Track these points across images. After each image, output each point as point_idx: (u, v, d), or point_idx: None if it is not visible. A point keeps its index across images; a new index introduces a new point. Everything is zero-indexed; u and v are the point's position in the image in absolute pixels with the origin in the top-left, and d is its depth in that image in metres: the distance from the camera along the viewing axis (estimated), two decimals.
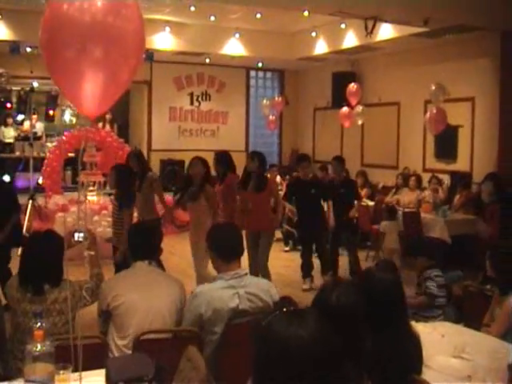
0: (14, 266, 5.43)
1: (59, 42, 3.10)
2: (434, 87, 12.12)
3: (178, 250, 11.30)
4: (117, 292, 4.42)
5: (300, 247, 10.52)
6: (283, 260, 11.58)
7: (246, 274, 4.46)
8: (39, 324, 2.92)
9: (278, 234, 11.94)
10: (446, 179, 12.80)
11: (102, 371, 3.14)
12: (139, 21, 3.27)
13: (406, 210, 11.34)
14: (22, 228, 9.41)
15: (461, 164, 13.47)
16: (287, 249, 12.73)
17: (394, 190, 13.03)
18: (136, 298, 4.40)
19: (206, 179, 8.34)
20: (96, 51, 3.07)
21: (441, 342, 4.19)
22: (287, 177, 15.44)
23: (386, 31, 13.34)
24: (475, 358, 3.87)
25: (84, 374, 3.20)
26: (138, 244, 4.76)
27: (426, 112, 13.05)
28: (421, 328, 3.90)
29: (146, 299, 4.41)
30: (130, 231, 5.18)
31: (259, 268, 8.57)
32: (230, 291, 4.30)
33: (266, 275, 8.28)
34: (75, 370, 3.10)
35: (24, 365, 2.92)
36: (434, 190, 11.98)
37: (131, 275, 4.67)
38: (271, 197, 9.05)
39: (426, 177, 13.13)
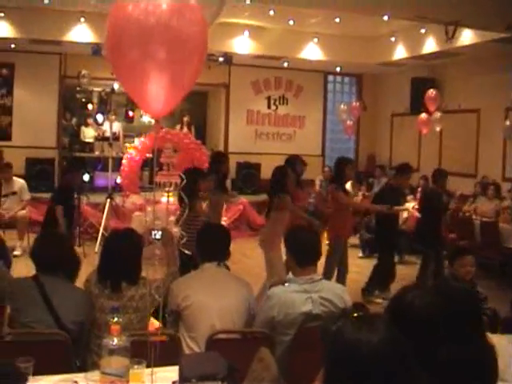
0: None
1: (124, 43, 3.16)
2: None
3: (252, 253, 11.34)
4: (187, 293, 4.47)
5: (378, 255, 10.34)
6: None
7: (321, 279, 4.46)
8: (116, 319, 2.98)
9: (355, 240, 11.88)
10: None
11: (175, 368, 3.19)
12: (202, 23, 3.31)
13: (484, 219, 11.14)
14: None
15: None
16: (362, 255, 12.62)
17: (471, 199, 12.80)
18: (206, 299, 4.44)
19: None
20: (160, 53, 3.12)
21: None
22: (363, 183, 15.35)
23: (466, 36, 13.12)
24: None
25: (157, 369, 3.25)
26: (208, 245, 4.81)
27: (506, 119, 12.79)
28: (496, 340, 3.82)
29: (215, 299, 4.45)
30: (200, 232, 5.22)
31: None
32: (304, 295, 4.31)
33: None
34: (148, 366, 3.15)
35: (100, 357, 2.99)
36: None
37: (200, 276, 4.73)
38: None
39: (505, 186, 12.86)
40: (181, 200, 8.22)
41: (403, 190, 10.00)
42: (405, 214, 11.86)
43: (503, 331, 4.82)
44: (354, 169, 9.21)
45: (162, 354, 3.25)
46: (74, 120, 18.10)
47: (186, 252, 5.10)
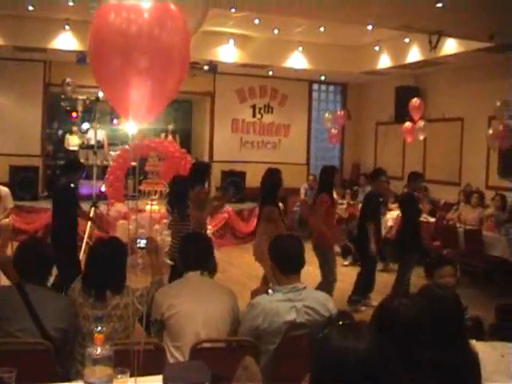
0: None
1: (106, 52, 3.18)
2: (498, 103, 11.97)
3: (237, 261, 11.34)
4: (171, 302, 4.46)
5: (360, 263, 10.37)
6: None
7: (305, 287, 4.46)
8: (100, 328, 2.98)
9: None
10: (510, 197, 12.57)
11: (159, 377, 3.18)
12: (184, 32, 3.32)
13: (468, 227, 11.19)
14: None
15: None
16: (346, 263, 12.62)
17: (455, 207, 12.85)
18: (190, 308, 4.43)
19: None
20: (142, 62, 3.13)
21: (500, 363, 4.11)
22: (348, 191, 15.40)
23: (450, 46, 13.21)
24: None
25: (141, 379, 3.24)
26: (190, 254, 4.80)
27: (489, 128, 12.86)
28: (480, 347, 3.84)
29: (199, 308, 4.44)
30: (183, 240, 5.21)
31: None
32: (288, 304, 4.31)
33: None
34: (132, 375, 3.15)
35: (84, 367, 2.98)
36: (497, 208, 11.77)
37: (184, 285, 4.71)
38: None
39: (488, 194, 12.93)
40: (170, 209, 8.26)
41: (384, 197, 10.00)
42: (389, 223, 11.90)
43: (490, 338, 4.85)
44: (338, 177, 9.22)
45: (146, 363, 3.24)
46: (57, 127, 18.04)
47: (169, 262, 5.07)
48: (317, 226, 8.84)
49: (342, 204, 14.05)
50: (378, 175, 9.77)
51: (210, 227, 11.63)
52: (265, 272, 8.31)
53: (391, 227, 11.83)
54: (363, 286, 9.56)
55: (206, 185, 8.35)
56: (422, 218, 11.62)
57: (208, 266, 4.90)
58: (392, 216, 12.11)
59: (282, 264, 4.46)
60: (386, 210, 10.75)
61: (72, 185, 8.99)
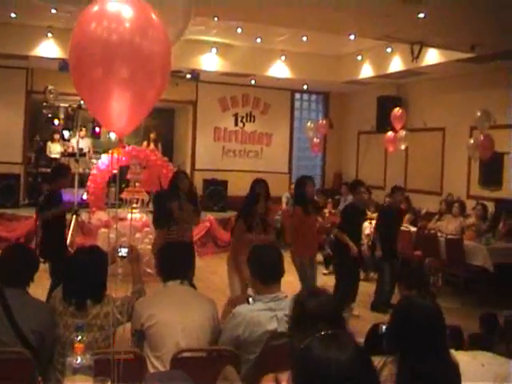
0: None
1: (86, 61, 3.17)
2: (479, 113, 12.05)
3: (219, 270, 11.31)
4: (150, 312, 4.44)
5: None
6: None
7: (286, 296, 4.46)
8: (80, 337, 2.96)
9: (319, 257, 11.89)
10: (491, 207, 12.65)
11: None
12: (165, 41, 3.33)
13: (449, 236, 11.23)
14: None
15: (506, 191, 13.31)
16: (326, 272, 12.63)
17: (437, 217, 12.90)
18: (170, 317, 4.42)
19: None
20: (122, 71, 3.13)
21: (481, 372, 4.12)
22: (330, 200, 15.42)
23: (432, 56, 13.30)
24: None
25: None
26: (170, 263, 4.78)
27: (471, 138, 12.94)
28: (461, 356, 3.84)
29: (179, 317, 4.43)
30: (161, 251, 5.19)
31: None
32: (269, 314, 4.30)
33: None
34: None
35: (64, 376, 2.96)
36: (478, 218, 11.84)
37: (164, 295, 4.69)
38: None
39: (469, 204, 12.99)
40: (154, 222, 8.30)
41: (364, 207, 10.12)
42: (367, 231, 11.92)
43: (470, 347, 4.87)
44: (312, 185, 9.23)
45: (127, 372, 3.23)
46: (39, 134, 17.95)
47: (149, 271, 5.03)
48: (286, 238, 9.07)
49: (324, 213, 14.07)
50: (356, 186, 9.88)
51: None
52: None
53: (368, 235, 11.87)
54: (341, 296, 9.55)
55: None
56: (403, 228, 11.70)
57: (187, 274, 4.89)
58: (371, 225, 12.12)
59: (262, 273, 4.46)
60: (364, 219, 10.81)
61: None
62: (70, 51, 3.25)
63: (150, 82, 3.27)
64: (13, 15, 12.78)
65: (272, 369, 3.99)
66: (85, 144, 16.96)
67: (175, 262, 4.76)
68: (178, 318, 4.43)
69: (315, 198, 9.82)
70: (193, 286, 5.74)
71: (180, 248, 5.14)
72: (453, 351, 3.61)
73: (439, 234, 11.52)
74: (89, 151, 17.23)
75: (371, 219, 12.25)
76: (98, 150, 17.71)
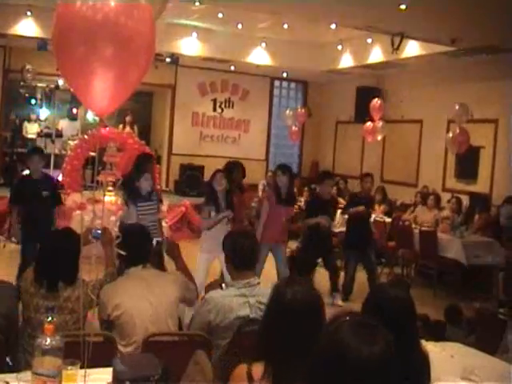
0: None
1: (70, 40, 3.13)
2: (457, 107, 12.10)
3: (193, 254, 11.28)
4: (116, 302, 4.39)
5: None
6: None
7: (259, 283, 4.46)
8: (50, 318, 2.94)
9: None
10: (465, 200, 12.73)
11: (109, 369, 3.15)
12: (150, 22, 3.30)
13: (423, 228, 11.28)
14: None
15: (480, 185, 13.42)
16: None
17: (411, 208, 12.97)
18: (136, 305, 4.38)
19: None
20: (106, 50, 3.10)
21: (450, 363, 4.16)
22: (305, 188, 15.42)
23: (412, 48, 13.33)
24: (484, 381, 3.84)
25: (91, 371, 3.21)
26: (129, 249, 4.43)
27: (448, 131, 13.00)
28: (430, 347, 3.87)
29: (146, 304, 4.40)
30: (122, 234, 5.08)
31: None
32: (241, 299, 4.30)
33: None
34: (83, 367, 3.11)
35: (33, 357, 2.94)
36: (453, 211, 11.90)
37: (127, 282, 4.60)
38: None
39: (444, 196, 13.07)
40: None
41: (329, 198, 9.93)
42: (335, 221, 11.91)
43: (434, 334, 4.91)
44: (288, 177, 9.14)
45: (96, 354, 3.21)
46: (15, 114, 17.80)
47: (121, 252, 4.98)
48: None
49: (300, 202, 14.07)
50: (323, 178, 9.81)
51: (166, 220, 11.61)
52: None
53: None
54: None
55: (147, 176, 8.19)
56: (378, 218, 11.75)
57: (147, 256, 4.79)
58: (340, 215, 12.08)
59: (236, 259, 4.45)
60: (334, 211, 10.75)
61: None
62: (54, 29, 3.21)
63: (134, 62, 3.24)
64: None
65: (243, 354, 4.00)
66: (61, 125, 16.85)
67: (133, 247, 4.62)
68: (144, 304, 4.39)
69: (294, 190, 9.79)
70: (163, 269, 5.71)
71: (136, 232, 5.03)
72: (423, 341, 3.64)
73: (413, 226, 11.57)
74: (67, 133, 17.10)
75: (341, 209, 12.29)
76: (75, 132, 17.59)
